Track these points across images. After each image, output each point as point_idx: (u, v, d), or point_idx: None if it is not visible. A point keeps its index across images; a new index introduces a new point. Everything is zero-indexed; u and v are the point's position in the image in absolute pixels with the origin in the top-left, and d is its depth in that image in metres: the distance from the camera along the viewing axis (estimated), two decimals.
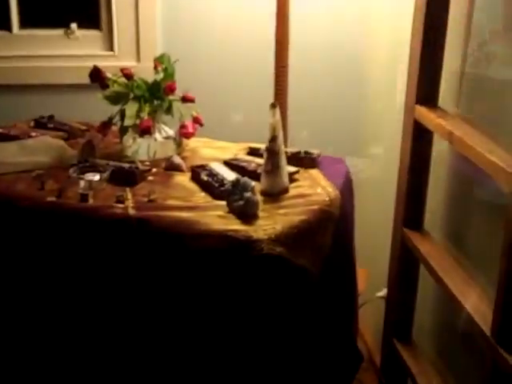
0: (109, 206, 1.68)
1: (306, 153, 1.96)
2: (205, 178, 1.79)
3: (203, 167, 1.86)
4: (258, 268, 1.56)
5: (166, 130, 2.03)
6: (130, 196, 1.74)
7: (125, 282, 1.64)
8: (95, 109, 2.19)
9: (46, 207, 1.69)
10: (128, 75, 1.93)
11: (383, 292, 2.29)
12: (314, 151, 1.98)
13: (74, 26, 2.45)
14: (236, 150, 2.07)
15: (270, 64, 2.18)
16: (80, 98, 2.36)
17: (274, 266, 1.56)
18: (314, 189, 1.79)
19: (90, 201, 1.71)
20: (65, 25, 2.46)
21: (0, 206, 1.72)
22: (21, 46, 2.44)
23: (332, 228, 1.72)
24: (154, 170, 1.91)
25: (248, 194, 1.61)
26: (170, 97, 1.95)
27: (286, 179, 1.76)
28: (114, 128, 2.00)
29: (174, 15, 2.42)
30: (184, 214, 1.64)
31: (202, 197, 1.75)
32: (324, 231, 1.70)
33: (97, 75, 1.94)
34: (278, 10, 2.12)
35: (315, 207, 1.69)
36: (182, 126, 1.97)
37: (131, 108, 1.92)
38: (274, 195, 1.74)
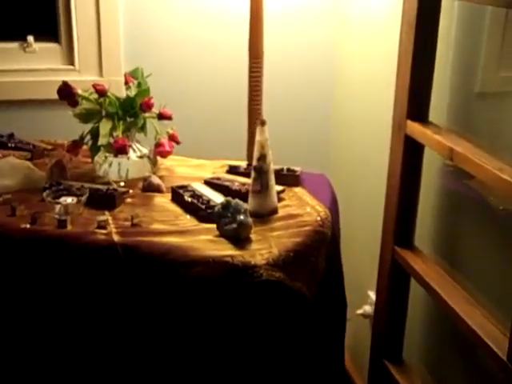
0: (90, 232, 1.57)
1: (288, 170, 1.89)
2: (189, 200, 1.70)
3: (185, 187, 1.77)
4: (256, 294, 1.48)
5: (139, 148, 1.93)
6: (111, 220, 1.63)
7: (113, 312, 1.53)
8: (58, 126, 2.08)
9: (20, 235, 1.57)
10: (101, 92, 1.83)
11: (363, 309, 2.24)
12: (296, 168, 1.91)
13: (30, 38, 2.31)
14: (213, 168, 1.99)
15: (245, 77, 2.11)
16: (41, 115, 2.23)
17: (272, 292, 1.49)
18: (303, 208, 1.72)
19: (69, 227, 1.59)
20: (21, 37, 2.33)
21: None
22: None
23: (325, 249, 1.66)
24: (131, 191, 1.81)
25: (241, 217, 1.53)
26: (146, 114, 1.85)
27: (275, 199, 1.69)
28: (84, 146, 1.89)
29: (139, 26, 2.31)
30: (173, 240, 1.55)
31: (187, 220, 1.66)
32: (318, 253, 1.63)
33: (67, 92, 1.82)
34: (251, 25, 2.05)
35: (308, 228, 1.63)
36: (158, 145, 1.88)
37: (105, 126, 1.81)
38: (264, 216, 1.67)
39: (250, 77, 2.12)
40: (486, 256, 1.67)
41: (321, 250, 1.64)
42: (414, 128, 1.66)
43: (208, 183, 1.82)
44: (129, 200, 1.76)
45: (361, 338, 2.25)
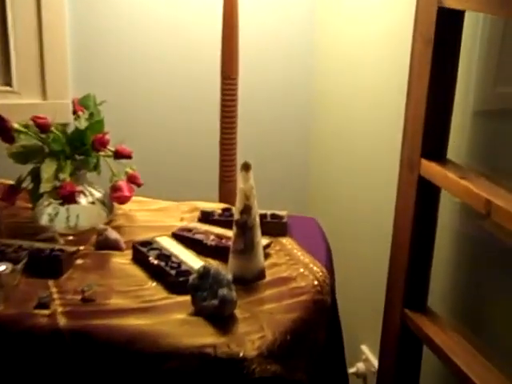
0: (29, 314, 1.22)
1: (273, 216, 1.57)
2: (155, 262, 1.37)
3: (149, 244, 1.44)
4: None
5: (91, 191, 1.58)
6: (55, 294, 1.29)
7: None
8: None
9: None
10: (43, 127, 1.47)
11: (356, 367, 1.95)
12: (282, 213, 1.59)
13: None
14: (181, 213, 1.66)
15: (217, 102, 1.79)
16: None
17: None
18: (295, 269, 1.41)
19: (1, 306, 1.24)
20: None
21: None
22: None
23: (325, 320, 1.35)
24: (83, 248, 1.46)
25: (224, 291, 1.21)
26: (101, 152, 1.51)
27: (261, 259, 1.37)
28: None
29: (90, 40, 1.96)
30: (138, 322, 1.21)
31: (153, 289, 1.33)
32: (318, 327, 1.32)
33: (1, 127, 1.46)
34: (223, 42, 1.73)
35: (305, 298, 1.31)
36: (115, 188, 1.54)
37: (48, 169, 1.47)
38: (249, 282, 1.34)
39: (223, 100, 1.80)
40: None
41: (321, 322, 1.33)
42: (431, 169, 1.36)
43: (177, 236, 1.49)
44: (79, 261, 1.42)
45: None
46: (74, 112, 1.59)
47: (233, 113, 1.80)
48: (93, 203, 1.57)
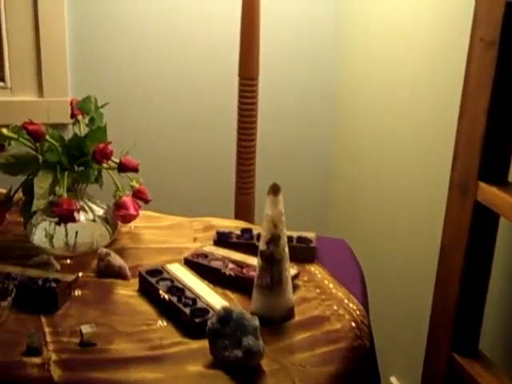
0: (16, 362, 1.02)
1: (300, 240, 1.37)
2: (166, 297, 1.17)
3: (158, 273, 1.24)
4: None
5: (92, 207, 1.39)
6: (49, 336, 1.09)
7: None
8: None
9: None
10: (36, 134, 1.27)
11: None
12: (310, 234, 1.40)
13: None
14: (193, 232, 1.47)
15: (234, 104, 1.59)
16: None
17: None
18: (327, 305, 1.21)
19: None
20: None
21: None
22: None
23: (364, 368, 1.15)
24: (81, 274, 1.27)
25: (249, 341, 1.01)
26: (103, 165, 1.31)
27: (290, 296, 1.17)
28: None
29: (91, 32, 1.76)
30: (146, 375, 1.01)
31: (163, 329, 1.13)
32: (356, 379, 1.12)
33: None
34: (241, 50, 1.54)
35: (342, 345, 1.11)
36: (120, 206, 1.34)
37: (42, 183, 1.27)
38: (276, 323, 1.15)
39: (240, 103, 1.60)
40: None
41: (359, 373, 1.13)
42: (491, 194, 1.16)
43: (190, 263, 1.29)
44: (78, 293, 1.22)
45: None
46: (73, 116, 1.39)
47: (253, 111, 1.60)
48: (94, 221, 1.38)
